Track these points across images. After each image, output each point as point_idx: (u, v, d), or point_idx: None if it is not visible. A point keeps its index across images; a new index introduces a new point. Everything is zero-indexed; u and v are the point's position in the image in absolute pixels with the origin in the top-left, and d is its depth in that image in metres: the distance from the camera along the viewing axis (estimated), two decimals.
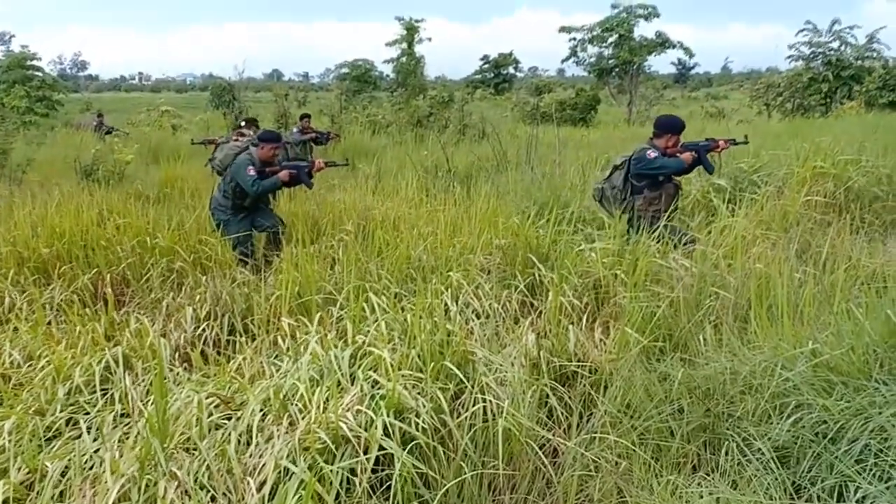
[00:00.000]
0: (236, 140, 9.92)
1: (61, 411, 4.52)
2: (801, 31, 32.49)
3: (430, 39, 39.11)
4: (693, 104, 50.06)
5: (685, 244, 6.84)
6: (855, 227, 7.95)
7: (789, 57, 33.68)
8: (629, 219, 7.53)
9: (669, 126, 7.82)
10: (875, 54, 31.87)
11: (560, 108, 35.14)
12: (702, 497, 3.59)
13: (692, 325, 5.37)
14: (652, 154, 7.64)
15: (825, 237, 6.94)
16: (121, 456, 3.84)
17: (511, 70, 66.19)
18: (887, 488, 3.23)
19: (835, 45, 32.10)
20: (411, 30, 38.10)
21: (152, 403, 4.20)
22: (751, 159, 10.78)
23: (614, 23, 38.86)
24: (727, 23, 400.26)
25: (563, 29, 40.75)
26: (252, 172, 8.15)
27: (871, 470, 3.44)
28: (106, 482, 3.59)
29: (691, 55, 44.22)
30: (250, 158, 8.31)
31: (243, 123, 13.73)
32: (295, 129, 15.93)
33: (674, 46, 39.86)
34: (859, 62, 31.77)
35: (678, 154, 7.71)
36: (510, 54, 64.85)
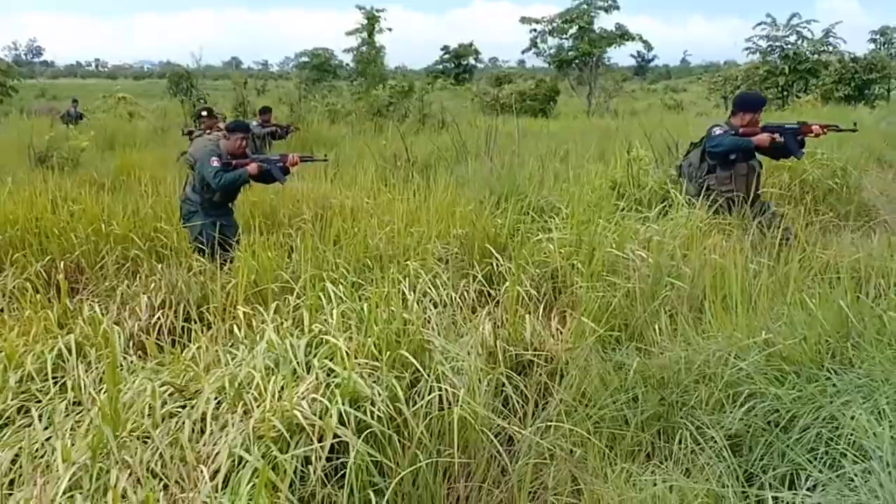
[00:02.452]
0: (209, 132, 9.47)
1: (12, 399, 4.46)
2: (759, 24, 32.86)
3: (390, 29, 38.98)
4: (652, 96, 50.50)
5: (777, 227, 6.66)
6: (809, 219, 8.04)
7: (746, 50, 34.07)
8: (708, 198, 7.49)
9: (744, 103, 7.66)
10: (831, 48, 32.30)
11: (520, 98, 35.19)
12: (655, 485, 3.62)
13: (648, 314, 5.41)
14: (717, 131, 7.51)
15: (780, 229, 7.00)
16: (73, 444, 3.80)
17: (471, 60, 66.07)
18: (838, 476, 3.27)
19: (792, 38, 32.50)
20: (372, 19, 37.94)
21: (105, 392, 4.15)
22: None
23: (574, 14, 38.93)
24: (686, 16, 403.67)
25: (523, 20, 40.76)
26: (215, 163, 7.58)
27: (821, 458, 3.48)
28: (57, 470, 3.55)
29: (650, 48, 44.62)
30: (215, 149, 7.79)
31: (204, 113, 13.54)
32: (255, 123, 15.66)
33: (633, 39, 40.03)
34: (815, 56, 32.18)
35: (755, 133, 7.48)
36: (471, 45, 64.72)
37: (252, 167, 7.68)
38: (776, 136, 7.48)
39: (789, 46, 32.47)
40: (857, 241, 6.81)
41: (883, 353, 3.87)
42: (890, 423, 3.28)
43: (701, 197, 7.41)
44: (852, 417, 3.48)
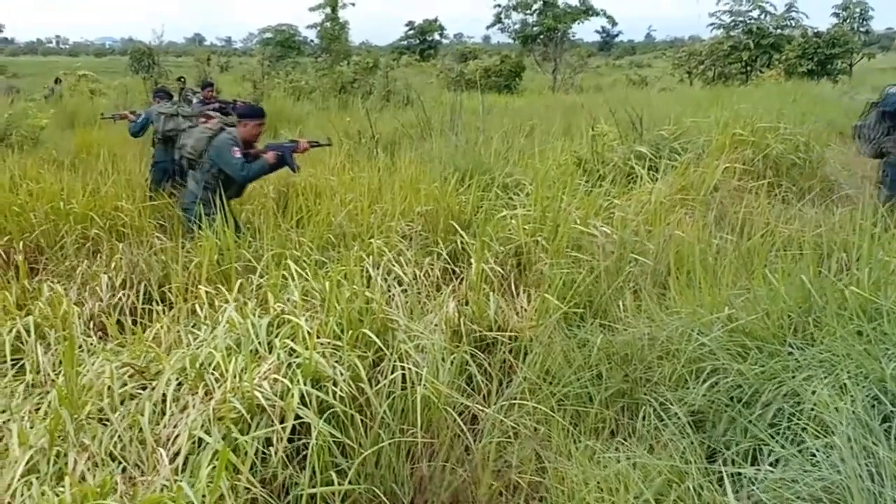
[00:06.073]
0: (204, 122, 8.74)
1: None
2: None
3: (353, 4, 38.80)
4: (617, 72, 50.60)
5: None
6: (772, 194, 8.06)
7: (710, 25, 34.17)
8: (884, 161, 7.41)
9: None
10: (794, 23, 32.49)
11: (485, 74, 35.18)
12: (619, 462, 3.61)
13: (612, 291, 5.40)
14: (893, 90, 7.34)
15: (743, 204, 7.01)
16: (30, 427, 3.75)
17: (436, 36, 65.94)
18: (799, 451, 3.28)
19: (755, 13, 32.61)
20: None
21: (63, 374, 4.10)
22: (672, 126, 10.86)
23: None
24: None
25: None
26: (238, 155, 7.08)
27: (783, 434, 3.49)
28: (14, 454, 3.49)
29: (615, 23, 44.66)
30: (233, 138, 7.20)
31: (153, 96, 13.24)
32: (195, 100, 15.16)
33: (598, 14, 40.02)
34: (779, 31, 32.36)
35: None
36: (435, 20, 64.55)
37: (270, 156, 7.27)
38: None
39: (752, 21, 32.61)
40: (819, 216, 6.84)
41: (844, 327, 3.88)
42: (851, 398, 3.29)
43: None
44: (814, 392, 3.49)
